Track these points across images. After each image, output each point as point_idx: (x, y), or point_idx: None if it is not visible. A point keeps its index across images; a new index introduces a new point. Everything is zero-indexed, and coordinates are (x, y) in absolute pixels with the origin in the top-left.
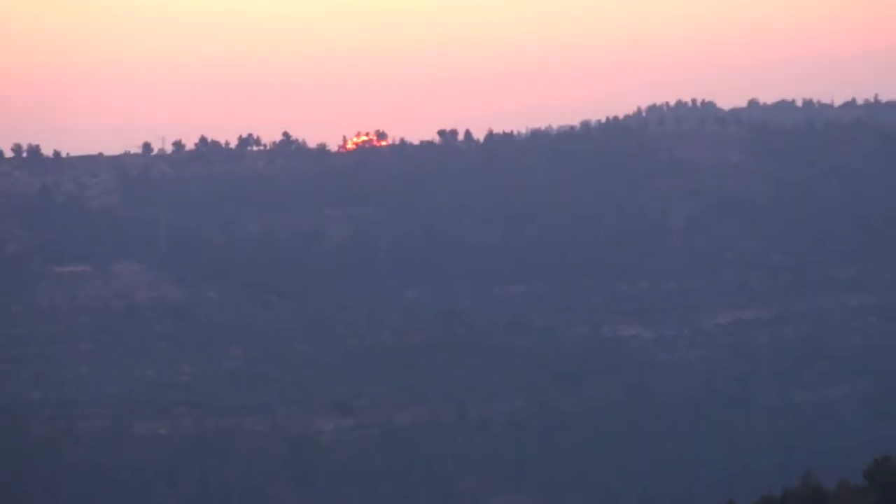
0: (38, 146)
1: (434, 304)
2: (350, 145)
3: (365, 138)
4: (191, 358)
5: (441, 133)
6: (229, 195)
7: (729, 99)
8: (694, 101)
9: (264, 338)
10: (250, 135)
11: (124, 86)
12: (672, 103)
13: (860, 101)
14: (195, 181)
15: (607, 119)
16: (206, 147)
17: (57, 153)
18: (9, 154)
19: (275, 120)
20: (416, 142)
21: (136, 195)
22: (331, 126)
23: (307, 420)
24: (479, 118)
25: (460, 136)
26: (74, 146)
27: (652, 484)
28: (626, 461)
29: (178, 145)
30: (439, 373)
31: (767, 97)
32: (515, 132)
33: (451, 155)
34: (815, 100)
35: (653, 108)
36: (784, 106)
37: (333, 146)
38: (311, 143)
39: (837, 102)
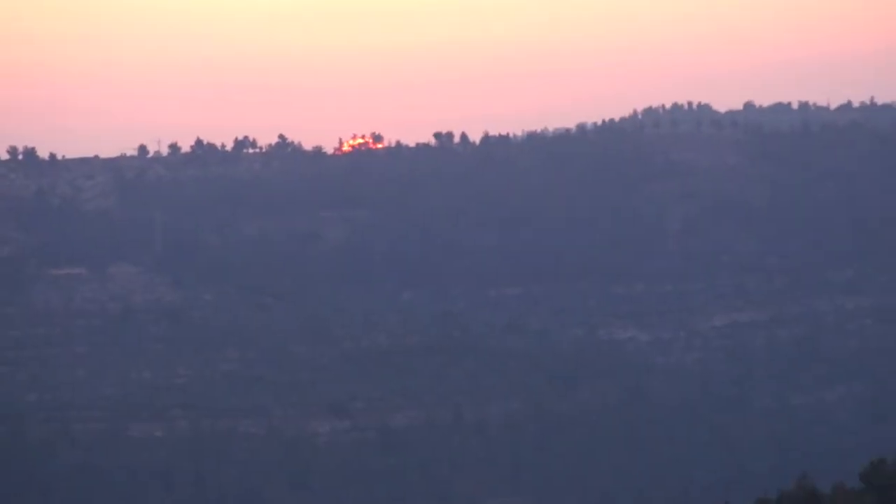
0: (33, 148)
1: (430, 307)
2: (346, 148)
3: (361, 141)
4: (187, 360)
5: (437, 135)
6: (225, 197)
7: (725, 101)
8: (690, 103)
9: (260, 340)
10: (246, 137)
11: (120, 88)
12: (668, 106)
13: (856, 104)
14: (191, 183)
15: (603, 122)
16: (202, 149)
17: (53, 155)
18: (4, 156)
19: (271, 122)
20: (412, 144)
21: (132, 197)
22: (327, 128)
23: (303, 422)
24: (475, 121)
25: (456, 139)
26: (70, 148)
27: (648, 486)
28: (622, 463)
29: (174, 148)
30: (435, 375)
31: (763, 100)
32: (511, 135)
33: (447, 157)
34: (810, 102)
35: (649, 111)
36: (780, 108)
37: (329, 148)
38: (307, 146)
39: (833, 105)
